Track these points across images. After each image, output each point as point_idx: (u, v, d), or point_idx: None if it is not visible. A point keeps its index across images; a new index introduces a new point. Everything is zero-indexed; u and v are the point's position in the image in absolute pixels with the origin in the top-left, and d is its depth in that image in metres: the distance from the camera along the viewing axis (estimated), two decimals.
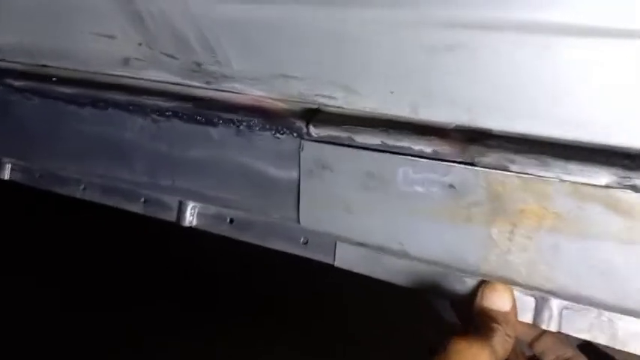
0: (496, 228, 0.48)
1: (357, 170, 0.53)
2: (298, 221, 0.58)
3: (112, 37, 0.62)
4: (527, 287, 0.49)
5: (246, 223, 0.72)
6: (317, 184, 0.56)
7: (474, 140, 0.47)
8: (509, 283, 0.49)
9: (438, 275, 0.54)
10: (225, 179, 0.63)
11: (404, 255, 0.53)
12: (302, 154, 0.56)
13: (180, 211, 0.78)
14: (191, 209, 0.77)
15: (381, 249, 0.55)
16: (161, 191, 0.72)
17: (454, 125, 0.48)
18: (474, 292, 0.51)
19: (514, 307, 0.49)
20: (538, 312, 0.50)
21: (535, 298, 0.49)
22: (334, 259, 0.62)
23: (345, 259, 0.61)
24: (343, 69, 0.49)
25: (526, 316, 0.50)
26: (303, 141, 0.56)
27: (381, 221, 0.53)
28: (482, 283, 0.50)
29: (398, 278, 0.57)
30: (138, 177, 0.71)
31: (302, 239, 0.67)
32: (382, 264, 0.58)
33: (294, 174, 0.57)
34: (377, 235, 0.54)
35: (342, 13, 0.45)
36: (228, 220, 0.75)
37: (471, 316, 0.49)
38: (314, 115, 0.55)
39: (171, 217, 0.78)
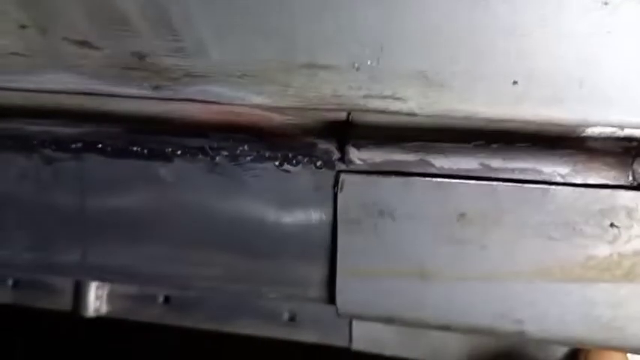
0: None
1: (442, 212, 0.33)
2: (332, 301, 0.36)
3: None
4: None
5: (192, 300, 0.50)
6: (369, 241, 0.34)
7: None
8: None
9: (512, 347, 0.41)
10: (187, 244, 0.38)
11: (516, 336, 0.35)
12: (341, 195, 0.34)
13: (79, 294, 0.52)
14: (97, 290, 0.52)
15: (474, 330, 0.35)
16: (58, 272, 0.44)
17: (603, 133, 0.31)
18: None
19: None
20: None
21: None
22: (350, 341, 0.44)
23: (371, 339, 0.43)
24: (427, 42, 0.29)
25: None
26: (342, 175, 0.34)
27: (482, 291, 0.34)
28: (583, 351, 0.42)
29: (455, 356, 0.42)
30: (11, 254, 0.43)
31: (286, 315, 0.48)
32: (426, 341, 0.43)
33: (323, 227, 0.35)
34: (475, 313, 0.34)
35: None
36: (161, 299, 0.52)
37: None
38: (348, 130, 0.34)
39: (63, 304, 0.53)
